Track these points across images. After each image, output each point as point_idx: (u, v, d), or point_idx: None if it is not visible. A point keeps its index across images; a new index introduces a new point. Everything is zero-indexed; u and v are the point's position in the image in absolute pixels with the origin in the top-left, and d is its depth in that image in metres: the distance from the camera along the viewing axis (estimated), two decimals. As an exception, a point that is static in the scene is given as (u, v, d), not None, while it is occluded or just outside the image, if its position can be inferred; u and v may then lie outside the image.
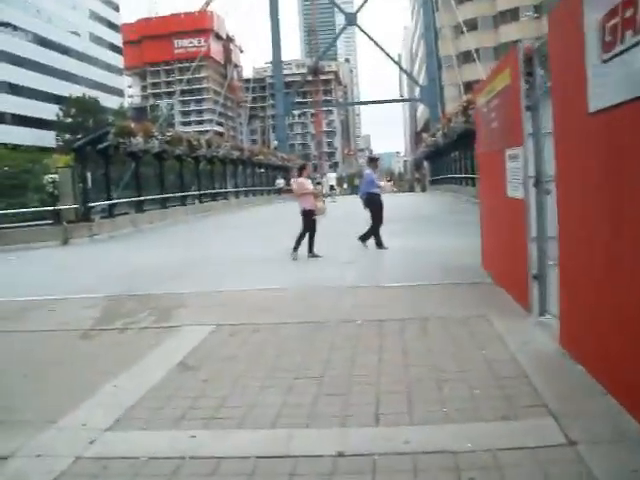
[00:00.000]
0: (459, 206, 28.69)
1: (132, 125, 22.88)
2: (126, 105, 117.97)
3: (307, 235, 13.44)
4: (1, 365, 6.41)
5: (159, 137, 25.07)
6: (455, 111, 29.65)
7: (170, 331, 7.26)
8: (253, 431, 4.37)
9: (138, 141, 23.01)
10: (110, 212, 24.12)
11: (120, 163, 26.39)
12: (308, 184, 13.92)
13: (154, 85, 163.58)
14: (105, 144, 22.49)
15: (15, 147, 65.20)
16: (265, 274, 11.63)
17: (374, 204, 14.27)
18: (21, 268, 15.87)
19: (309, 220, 13.49)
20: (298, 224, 13.62)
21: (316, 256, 13.30)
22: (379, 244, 14.12)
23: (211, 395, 5.08)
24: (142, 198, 26.76)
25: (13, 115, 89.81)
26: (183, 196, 32.65)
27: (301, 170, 14.41)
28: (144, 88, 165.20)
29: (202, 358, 6.11)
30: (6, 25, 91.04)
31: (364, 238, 14.33)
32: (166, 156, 28.77)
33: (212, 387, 5.27)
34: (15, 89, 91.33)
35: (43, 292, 10.67)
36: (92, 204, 22.57)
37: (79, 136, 25.32)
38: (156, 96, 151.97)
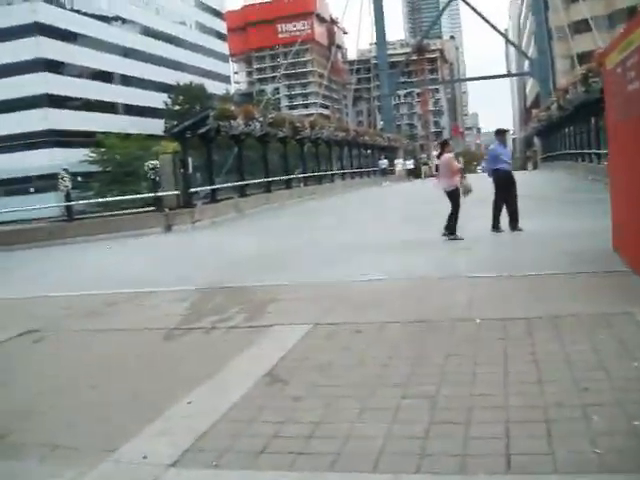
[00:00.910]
0: (576, 184, 26.74)
1: (232, 108, 22.29)
2: (232, 91, 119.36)
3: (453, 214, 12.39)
4: (71, 372, 5.75)
5: (261, 119, 24.40)
6: (573, 81, 27.63)
7: (261, 331, 6.42)
8: (348, 475, 3.43)
9: (239, 124, 22.40)
10: (213, 197, 23.72)
11: (222, 147, 26.01)
12: (454, 161, 12.90)
13: (260, 70, 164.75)
14: (205, 128, 22.03)
15: (127, 136, 66.83)
16: (374, 262, 10.51)
17: (499, 180, 13.01)
18: (118, 257, 15.56)
19: (456, 198, 12.46)
20: (411, 207, 12.63)
21: (457, 238, 12.18)
22: (495, 227, 12.88)
23: (300, 420, 4.16)
24: (245, 182, 26.28)
25: (125, 105, 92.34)
26: (287, 179, 32.04)
27: (443, 146, 13.52)
28: (250, 74, 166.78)
29: (294, 367, 5.22)
30: (116, 19, 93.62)
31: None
32: (269, 139, 28.17)
33: (302, 408, 4.36)
34: (126, 80, 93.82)
35: (136, 283, 10.19)
36: (194, 190, 22.20)
37: (177, 122, 24.91)
38: (262, 81, 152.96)
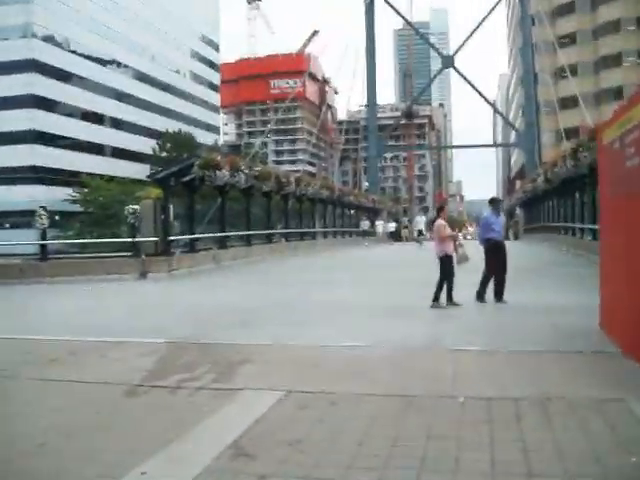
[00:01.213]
0: (560, 257, 26.63)
1: (219, 158, 22.04)
2: (221, 142, 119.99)
3: (445, 282, 12.10)
4: (19, 427, 5.27)
5: (246, 171, 24.16)
6: (562, 154, 27.72)
7: (229, 395, 5.98)
8: None
9: (224, 174, 22.12)
10: (192, 247, 23.30)
11: (205, 197, 25.72)
12: (447, 228, 12.66)
13: (249, 124, 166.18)
14: (190, 177, 21.75)
15: (111, 179, 66.54)
16: (353, 326, 10.08)
17: (489, 250, 12.78)
18: (89, 301, 15.03)
19: (448, 265, 12.22)
20: (394, 269, 12.28)
21: (456, 305, 11.91)
22: (480, 296, 12.56)
23: (263, 507, 3.74)
24: (226, 234, 25.92)
25: (113, 148, 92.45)
26: (269, 234, 31.73)
27: (439, 211, 13.62)
28: (239, 126, 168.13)
29: (262, 439, 4.78)
30: (112, 62, 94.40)
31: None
32: (253, 192, 27.92)
33: (267, 491, 3.95)
34: (116, 123, 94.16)
35: (104, 331, 9.75)
36: (173, 237, 21.79)
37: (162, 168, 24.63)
38: (251, 134, 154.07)
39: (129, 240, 21.36)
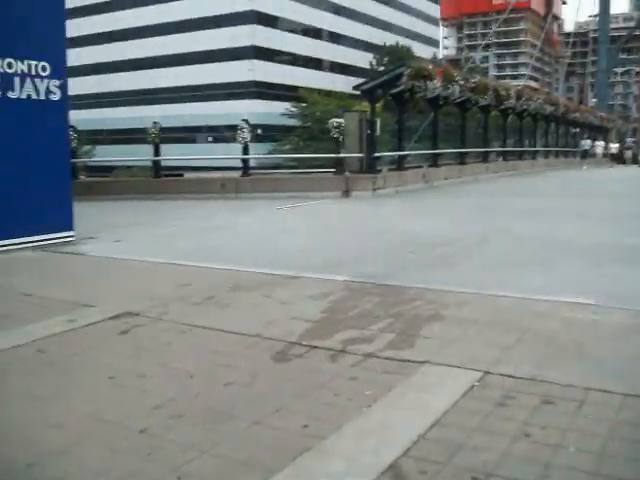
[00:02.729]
0: None
1: (430, 67, 19.97)
2: (440, 56, 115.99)
3: None
4: (133, 392, 4.05)
5: (461, 83, 21.88)
6: None
7: (404, 371, 4.39)
8: None
9: (435, 86, 20.08)
10: (400, 164, 21.73)
11: (415, 110, 23.88)
12: None
13: (470, 37, 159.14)
14: (399, 88, 19.98)
15: (329, 93, 66.16)
16: (584, 276, 7.67)
17: None
18: (278, 223, 14.03)
19: None
20: (621, 199, 9.95)
21: None
22: None
23: None
24: (437, 151, 24.03)
25: (330, 62, 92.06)
26: (485, 152, 29.36)
27: None
28: (459, 40, 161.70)
29: (435, 456, 3.17)
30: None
31: None
32: (469, 106, 25.62)
33: None
34: (333, 37, 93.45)
35: (281, 261, 8.54)
36: (379, 154, 20.28)
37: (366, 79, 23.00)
38: (471, 48, 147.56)
39: (332, 156, 20.17)
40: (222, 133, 61.77)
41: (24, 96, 10.27)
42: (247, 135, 19.95)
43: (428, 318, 5.68)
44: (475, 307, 6.09)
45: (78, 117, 71.18)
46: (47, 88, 10.55)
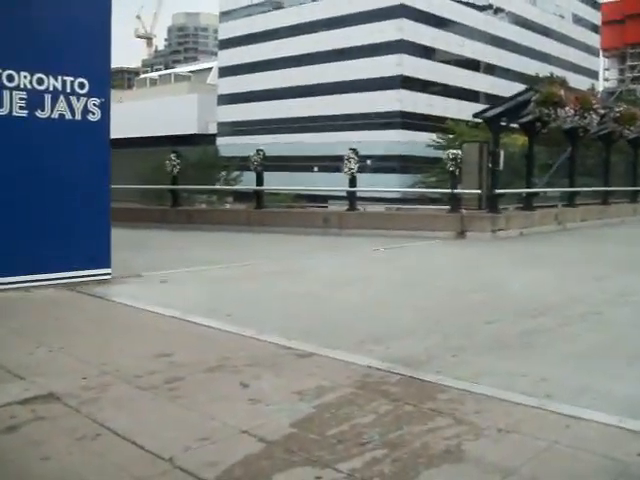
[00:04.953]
0: None
1: (561, 92, 17.32)
2: (600, 88, 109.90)
3: None
4: None
5: (601, 112, 19.02)
6: None
7: None
8: None
9: (567, 113, 17.41)
10: (527, 203, 19.20)
11: (545, 141, 21.27)
12: None
13: (632, 68, 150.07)
14: (527, 118, 17.58)
15: (477, 124, 63.39)
16: None
17: None
18: (360, 271, 12.03)
19: None
20: None
21: None
22: None
23: None
24: (574, 189, 21.22)
25: (482, 93, 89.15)
26: (635, 191, 26.00)
27: None
28: (621, 71, 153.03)
29: None
30: (489, 7, 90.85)
31: None
32: (614, 138, 22.64)
33: None
34: (485, 68, 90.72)
35: (318, 327, 6.77)
36: (501, 190, 17.88)
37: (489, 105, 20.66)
38: (635, 80, 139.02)
39: (446, 191, 18.01)
40: (364, 162, 60.59)
41: (55, 116, 9.01)
42: (354, 166, 18.14)
43: (439, 457, 3.60)
44: (529, 440, 3.91)
45: (228, 142, 72.43)
46: (84, 107, 9.25)
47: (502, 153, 17.56)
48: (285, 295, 9.01)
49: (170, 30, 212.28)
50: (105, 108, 9.51)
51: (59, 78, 9.01)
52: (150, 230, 18.27)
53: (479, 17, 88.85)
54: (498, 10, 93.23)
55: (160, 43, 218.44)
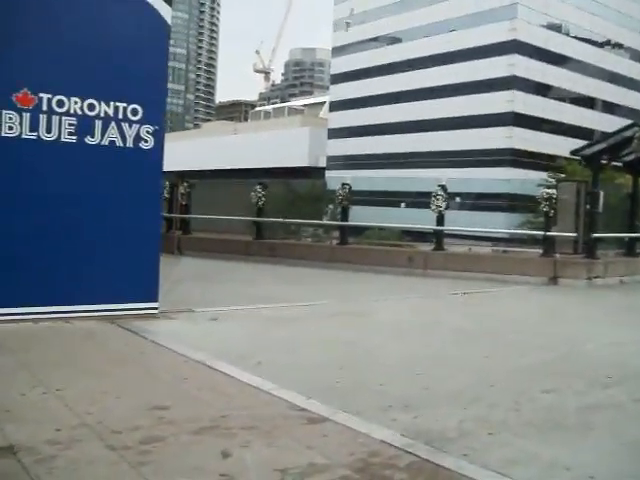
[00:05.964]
0: None
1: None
2: None
3: None
4: None
5: None
6: None
7: None
8: None
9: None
10: (630, 248, 17.76)
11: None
12: None
13: None
14: (631, 157, 16.26)
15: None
16: None
17: None
18: (427, 316, 11.11)
19: None
20: None
21: None
22: None
23: None
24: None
25: (597, 131, 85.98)
26: None
27: None
28: None
29: None
30: (607, 43, 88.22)
31: None
32: None
33: None
34: (603, 105, 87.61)
35: (350, 385, 6.06)
36: (600, 234, 16.55)
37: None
38: None
39: (539, 233, 16.83)
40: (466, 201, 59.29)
41: (106, 142, 8.67)
42: (442, 203, 17.24)
43: None
44: None
45: (336, 175, 72.32)
46: (137, 134, 8.87)
47: (602, 194, 16.29)
48: (331, 341, 8.23)
49: (287, 65, 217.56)
50: (159, 136, 9.11)
51: (111, 104, 8.68)
52: (228, 261, 17.95)
53: (596, 53, 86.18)
54: (616, 45, 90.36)
55: (277, 77, 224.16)
